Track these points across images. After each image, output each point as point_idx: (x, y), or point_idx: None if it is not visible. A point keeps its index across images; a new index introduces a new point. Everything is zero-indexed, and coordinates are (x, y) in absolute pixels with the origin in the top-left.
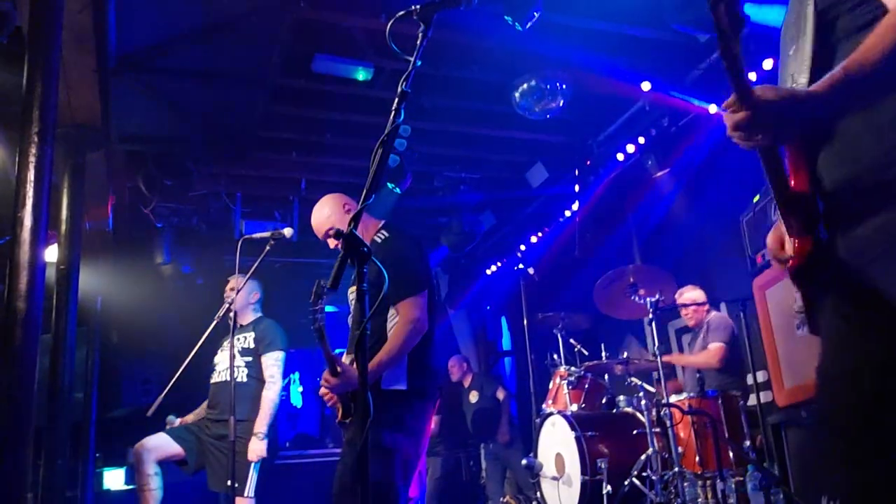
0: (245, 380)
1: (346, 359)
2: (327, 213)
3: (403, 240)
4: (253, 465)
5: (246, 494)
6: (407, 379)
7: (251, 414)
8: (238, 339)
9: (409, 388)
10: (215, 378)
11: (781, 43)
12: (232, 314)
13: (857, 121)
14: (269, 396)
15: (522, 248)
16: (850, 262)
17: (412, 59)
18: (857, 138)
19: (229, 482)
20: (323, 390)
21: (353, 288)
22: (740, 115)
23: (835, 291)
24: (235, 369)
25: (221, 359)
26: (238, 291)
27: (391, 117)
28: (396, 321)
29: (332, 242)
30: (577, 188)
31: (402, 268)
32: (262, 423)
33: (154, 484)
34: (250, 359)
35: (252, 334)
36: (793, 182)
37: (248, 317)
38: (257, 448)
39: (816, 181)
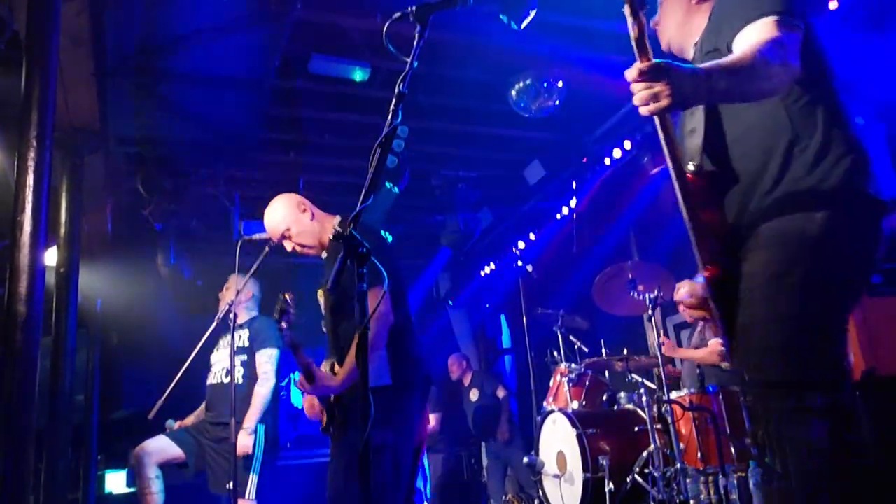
0: (241, 381)
1: (325, 366)
2: (282, 214)
3: (364, 236)
4: (253, 467)
5: (247, 497)
6: (390, 373)
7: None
8: (236, 335)
9: (394, 382)
10: (212, 380)
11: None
12: (232, 315)
13: (747, 166)
14: (261, 392)
15: (521, 245)
16: (742, 288)
17: (409, 60)
18: (743, 185)
19: (229, 484)
20: (305, 405)
21: (321, 292)
22: (646, 62)
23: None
24: (230, 370)
25: (218, 359)
26: (239, 292)
27: (389, 118)
28: None
29: (288, 245)
30: (574, 185)
31: None
32: (250, 418)
33: (155, 487)
34: (245, 357)
35: (247, 332)
36: (703, 214)
37: (243, 316)
38: (244, 442)
39: (723, 215)
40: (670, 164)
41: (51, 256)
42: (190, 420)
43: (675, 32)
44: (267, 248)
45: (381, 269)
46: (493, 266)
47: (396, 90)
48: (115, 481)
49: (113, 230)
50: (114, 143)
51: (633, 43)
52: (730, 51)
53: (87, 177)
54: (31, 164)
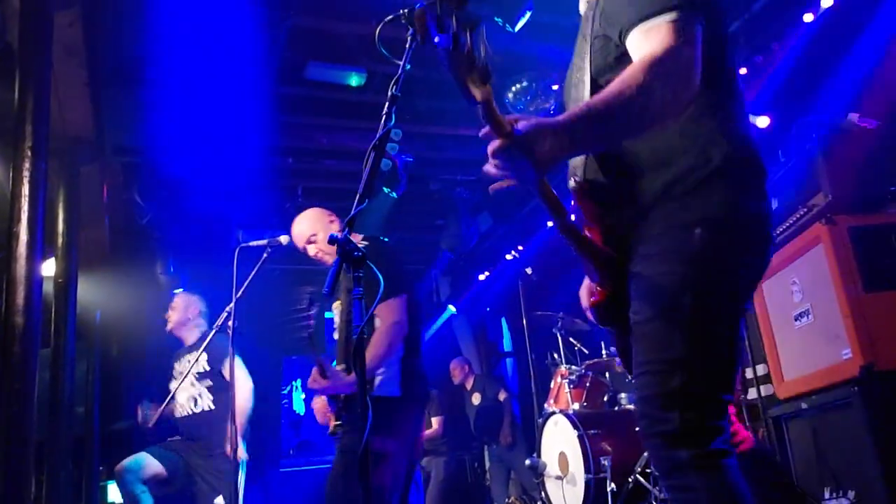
0: (213, 406)
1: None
2: (311, 221)
3: (381, 247)
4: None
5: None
6: (400, 385)
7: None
8: (189, 363)
9: (403, 393)
10: (181, 412)
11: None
12: (231, 323)
13: (630, 178)
14: (240, 403)
15: (520, 248)
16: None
17: (402, 63)
18: (626, 196)
19: (218, 500)
20: (316, 410)
21: (338, 302)
22: (496, 143)
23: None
24: (198, 398)
25: (181, 389)
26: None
27: (382, 121)
28: (377, 326)
29: (311, 250)
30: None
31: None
32: (240, 427)
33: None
34: (210, 383)
35: (204, 356)
36: (588, 233)
37: (194, 334)
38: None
39: (605, 230)
40: (554, 219)
41: (49, 267)
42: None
43: None
44: (265, 255)
45: (398, 282)
46: (493, 269)
47: (389, 93)
48: (117, 492)
49: (111, 240)
50: (110, 152)
51: (480, 112)
52: (621, 43)
53: (84, 187)
54: (26, 174)
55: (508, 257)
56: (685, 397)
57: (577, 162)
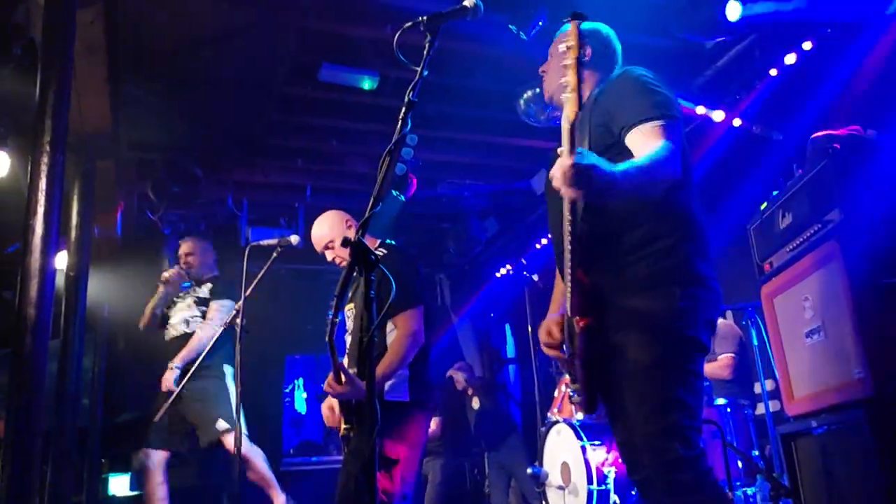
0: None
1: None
2: (329, 227)
3: (400, 256)
4: (227, 416)
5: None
6: (408, 391)
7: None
8: (194, 290)
9: (411, 399)
10: (172, 333)
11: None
12: (240, 320)
13: (613, 236)
14: (199, 334)
15: (527, 254)
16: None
17: (419, 69)
18: (608, 251)
19: (218, 423)
20: (326, 413)
21: (351, 305)
22: (570, 163)
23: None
24: (190, 320)
25: (174, 312)
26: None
27: (398, 126)
28: (395, 334)
29: (329, 255)
30: None
31: (398, 282)
32: (179, 358)
33: (162, 493)
34: (205, 308)
35: (208, 286)
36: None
37: (206, 274)
38: (168, 378)
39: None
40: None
41: (61, 260)
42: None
43: (557, 90)
44: (274, 254)
45: (417, 292)
46: (498, 275)
47: (406, 98)
48: (119, 485)
49: (122, 235)
50: (125, 148)
51: (565, 133)
52: (620, 137)
53: (98, 181)
54: (43, 168)
55: (516, 263)
56: (681, 430)
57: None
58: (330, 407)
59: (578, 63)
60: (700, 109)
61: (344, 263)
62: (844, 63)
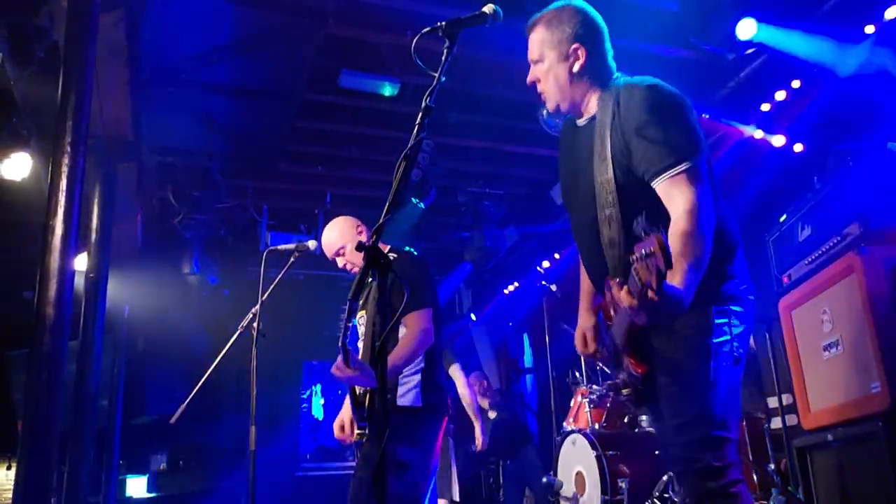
0: None
1: None
2: (339, 233)
3: (411, 259)
4: None
5: None
6: (421, 396)
7: None
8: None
9: (423, 404)
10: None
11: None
12: (256, 325)
13: None
14: None
15: (546, 264)
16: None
17: (437, 75)
18: None
19: None
20: (337, 431)
21: (362, 312)
22: (651, 298)
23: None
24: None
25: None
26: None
27: (415, 131)
28: (405, 333)
29: (339, 261)
30: None
31: (409, 285)
32: None
33: None
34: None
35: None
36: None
37: None
38: None
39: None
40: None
41: (81, 262)
42: None
43: (560, 97)
44: (292, 259)
45: (427, 294)
46: (516, 284)
47: (423, 104)
48: (136, 486)
49: (143, 238)
50: (146, 151)
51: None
52: (647, 181)
53: (120, 184)
54: (64, 169)
55: (534, 272)
56: (711, 441)
57: (615, 260)
58: (341, 425)
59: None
60: (758, 134)
61: (356, 269)
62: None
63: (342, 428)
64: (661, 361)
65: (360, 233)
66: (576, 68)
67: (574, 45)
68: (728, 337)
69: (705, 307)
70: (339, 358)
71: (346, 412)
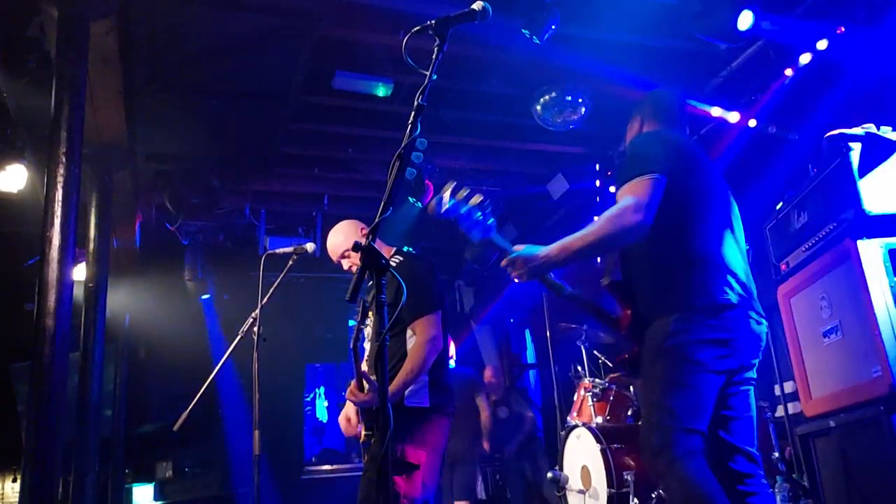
0: None
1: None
2: (344, 236)
3: (417, 262)
4: None
5: None
6: (429, 396)
7: None
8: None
9: (431, 404)
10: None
11: None
12: (256, 329)
13: (640, 283)
14: None
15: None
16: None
17: (428, 74)
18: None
19: None
20: (343, 423)
21: (371, 314)
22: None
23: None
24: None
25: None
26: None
27: (408, 130)
28: (414, 340)
29: (345, 264)
30: (598, 199)
31: (416, 288)
32: None
33: None
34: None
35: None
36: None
37: None
38: None
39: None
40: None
41: (80, 272)
42: None
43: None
44: (290, 262)
45: (435, 298)
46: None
47: (416, 103)
48: (143, 494)
49: (141, 245)
50: (142, 159)
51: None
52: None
53: (116, 192)
54: (60, 180)
55: None
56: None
57: (610, 263)
58: (347, 418)
59: None
60: (716, 111)
61: None
62: (859, 62)
63: (348, 420)
64: (643, 363)
65: (364, 235)
66: None
67: None
68: (682, 341)
69: (668, 316)
70: (353, 383)
71: (350, 405)
